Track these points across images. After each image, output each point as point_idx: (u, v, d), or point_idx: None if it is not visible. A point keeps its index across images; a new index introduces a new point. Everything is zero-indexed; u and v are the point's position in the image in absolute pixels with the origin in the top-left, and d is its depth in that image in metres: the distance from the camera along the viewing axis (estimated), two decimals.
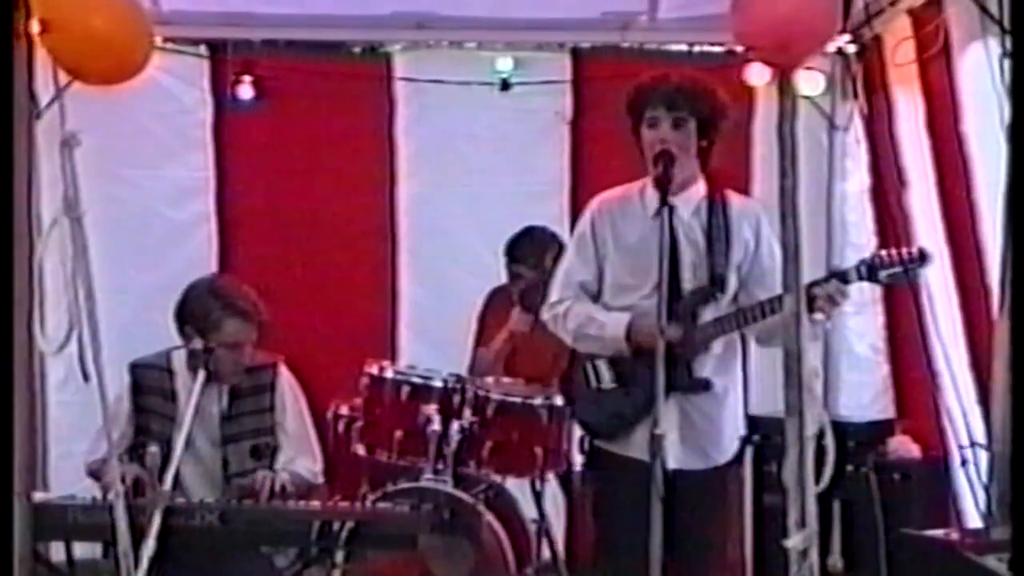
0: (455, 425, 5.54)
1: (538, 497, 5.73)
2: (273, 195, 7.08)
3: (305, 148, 7.05)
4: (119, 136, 6.65)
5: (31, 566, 3.94)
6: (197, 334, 4.80)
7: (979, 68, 5.13)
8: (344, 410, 5.82)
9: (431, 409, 5.57)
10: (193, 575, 4.44)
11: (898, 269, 4.37)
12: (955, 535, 5.01)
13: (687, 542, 4.32)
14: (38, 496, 4.20)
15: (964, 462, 5.58)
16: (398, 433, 5.60)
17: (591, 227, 4.64)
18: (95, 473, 4.82)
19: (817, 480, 3.79)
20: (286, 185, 7.06)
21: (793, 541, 3.74)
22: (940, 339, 5.86)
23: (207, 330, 4.78)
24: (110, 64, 3.89)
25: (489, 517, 5.47)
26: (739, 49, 4.25)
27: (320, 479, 5.09)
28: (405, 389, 5.65)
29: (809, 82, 6.13)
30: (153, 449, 4.60)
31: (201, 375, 4.67)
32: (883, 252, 4.44)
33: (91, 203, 3.94)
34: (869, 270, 4.38)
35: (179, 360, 4.93)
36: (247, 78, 6.87)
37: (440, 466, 5.52)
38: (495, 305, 6.31)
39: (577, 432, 5.16)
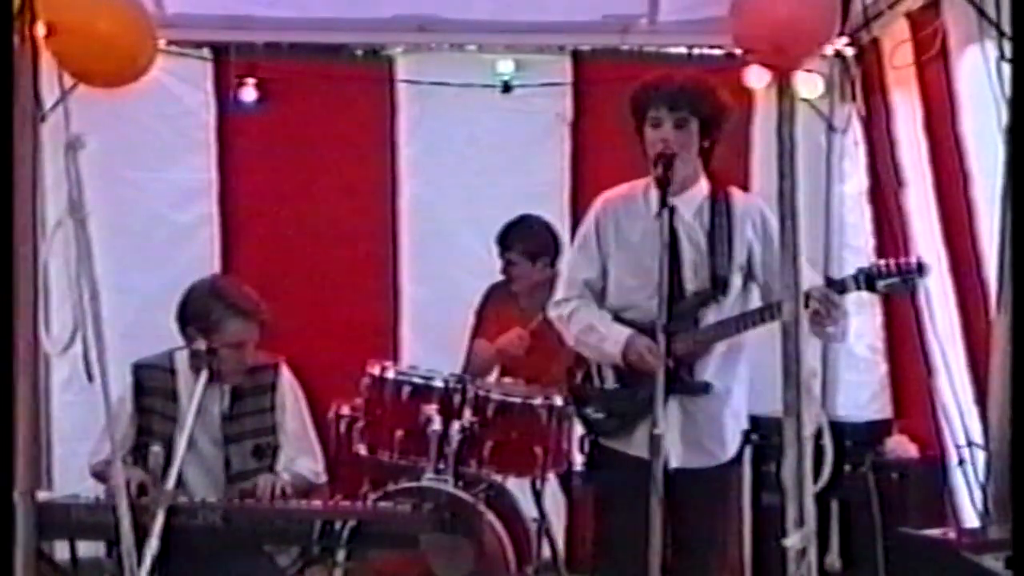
0: (456, 425, 5.56)
1: (538, 497, 5.75)
2: (276, 197, 7.10)
3: (307, 150, 7.07)
4: (123, 138, 6.68)
5: (35, 565, 3.97)
6: (199, 334, 4.81)
7: (977, 71, 5.15)
8: (345, 410, 5.85)
9: (432, 409, 5.59)
10: (196, 574, 4.46)
11: (896, 279, 4.44)
12: (952, 534, 5.02)
13: (688, 540, 4.35)
14: (42, 495, 4.19)
15: (961, 462, 5.60)
16: (399, 433, 5.62)
17: (595, 225, 4.70)
18: (99, 474, 4.84)
19: (815, 480, 3.81)
20: (288, 187, 7.08)
21: (791, 540, 3.76)
22: (938, 339, 5.88)
23: (209, 330, 4.80)
24: (114, 67, 3.92)
25: (490, 516, 5.49)
26: (738, 52, 4.28)
27: (321, 479, 5.10)
28: (406, 389, 5.67)
29: (808, 84, 6.15)
30: (156, 449, 4.62)
31: (203, 375, 4.68)
32: (881, 262, 4.50)
33: (95, 205, 3.96)
34: (867, 280, 4.45)
35: (182, 361, 4.94)
36: (250, 80, 6.89)
37: (441, 466, 5.54)
38: (493, 300, 6.33)
39: (577, 432, 5.21)
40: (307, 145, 7.06)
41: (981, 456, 5.38)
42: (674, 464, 4.34)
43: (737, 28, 3.91)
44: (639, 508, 4.23)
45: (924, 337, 6.01)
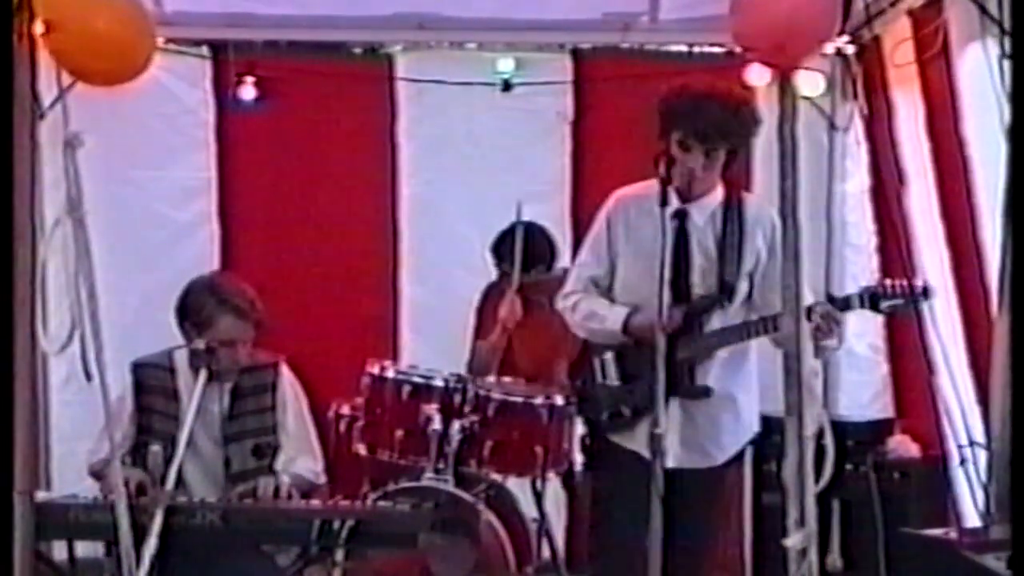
0: (456, 424, 5.55)
1: (538, 496, 5.73)
2: (275, 195, 7.09)
3: (307, 148, 7.06)
4: (122, 136, 6.66)
5: (33, 565, 3.96)
6: (194, 330, 4.81)
7: (978, 69, 5.14)
8: (345, 409, 5.85)
9: (432, 408, 5.58)
10: (195, 574, 4.45)
11: (899, 301, 4.49)
12: (954, 534, 5.01)
13: (682, 538, 4.35)
14: (40, 495, 4.20)
15: (963, 461, 5.59)
16: (399, 432, 5.61)
17: (606, 223, 4.77)
18: (98, 473, 4.83)
19: (817, 479, 3.82)
20: (288, 185, 7.07)
21: (792, 540, 3.76)
22: (939, 339, 5.86)
23: (202, 326, 4.79)
24: (113, 65, 3.92)
25: (490, 516, 5.48)
26: (739, 50, 4.27)
27: (321, 478, 5.09)
28: (406, 389, 5.66)
29: (809, 83, 6.13)
30: (155, 448, 4.61)
31: (203, 374, 4.68)
32: (887, 282, 4.54)
33: (94, 203, 3.96)
34: (872, 299, 4.49)
35: (181, 359, 4.93)
36: (249, 79, 6.87)
37: (441, 465, 5.54)
38: (491, 299, 6.33)
39: (578, 431, 5.23)
40: (306, 144, 7.05)
41: (983, 456, 5.37)
42: (671, 464, 4.36)
43: (738, 26, 3.91)
44: (637, 503, 4.27)
45: (925, 337, 5.99)
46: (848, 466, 5.70)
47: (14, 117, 3.74)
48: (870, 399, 6.62)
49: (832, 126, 6.69)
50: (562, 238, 6.43)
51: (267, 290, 5.05)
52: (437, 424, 5.54)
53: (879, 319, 6.59)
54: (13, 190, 3.73)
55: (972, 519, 5.49)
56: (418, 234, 7.14)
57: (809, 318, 4.21)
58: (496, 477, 5.76)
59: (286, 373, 5.04)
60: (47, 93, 3.95)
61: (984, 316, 5.36)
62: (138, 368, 4.97)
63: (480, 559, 5.45)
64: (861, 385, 6.68)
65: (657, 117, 4.65)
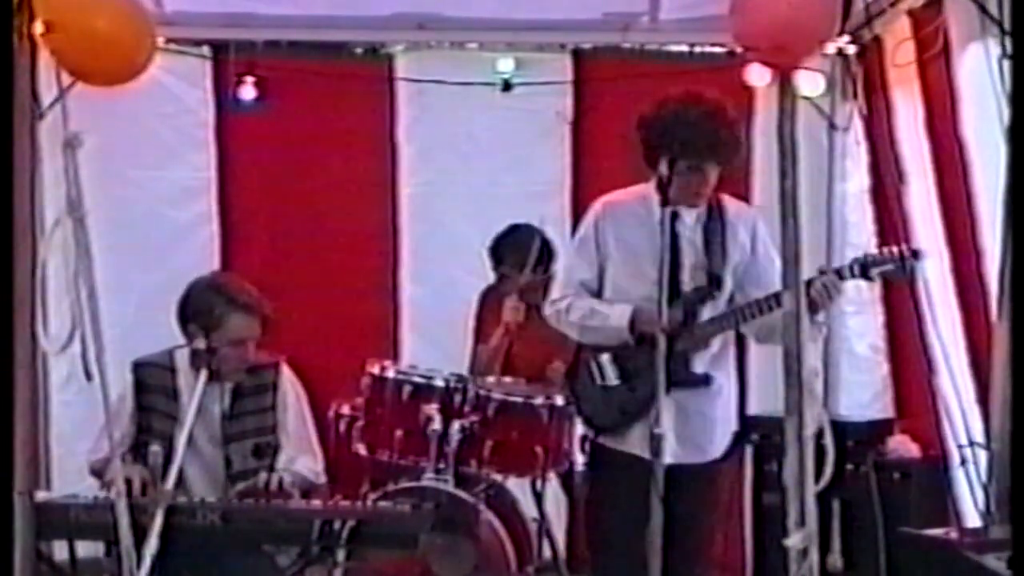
0: (456, 425, 5.55)
1: (539, 496, 5.74)
2: (275, 195, 7.09)
3: (307, 148, 7.06)
4: (122, 137, 6.66)
5: (34, 565, 3.96)
6: (201, 331, 4.79)
7: (978, 69, 5.14)
8: (345, 409, 5.85)
9: (432, 409, 5.59)
10: (195, 574, 4.44)
11: (890, 266, 4.54)
12: (954, 534, 5.01)
13: (678, 535, 4.36)
14: (41, 495, 4.20)
15: (963, 461, 5.59)
16: (399, 432, 5.62)
17: (594, 228, 4.82)
18: (98, 472, 4.82)
19: (817, 479, 3.81)
20: (288, 185, 7.07)
21: (793, 540, 3.76)
22: (939, 339, 5.87)
23: (211, 327, 4.78)
24: (113, 65, 3.91)
25: (490, 516, 5.49)
26: (739, 50, 4.27)
27: (321, 478, 5.09)
28: (406, 389, 5.66)
29: (809, 83, 6.13)
30: (155, 448, 4.60)
31: (203, 374, 4.68)
32: (876, 250, 4.64)
33: (93, 203, 3.96)
34: (862, 268, 4.54)
35: (182, 359, 4.93)
36: (249, 79, 6.88)
37: (441, 465, 5.54)
38: (490, 302, 6.33)
39: (578, 431, 5.23)
40: (306, 143, 7.05)
41: (983, 456, 5.37)
42: (668, 460, 4.38)
43: (738, 26, 3.91)
44: (635, 506, 4.31)
45: (925, 336, 6.00)
46: (848, 466, 5.70)
47: (14, 117, 3.74)
48: (870, 399, 6.62)
49: (832, 126, 6.68)
50: (562, 239, 6.41)
51: (267, 290, 5.05)
52: (437, 424, 5.54)
53: (879, 319, 6.62)
54: (13, 190, 3.73)
55: (972, 519, 5.49)
56: (418, 234, 7.15)
57: (808, 292, 4.24)
58: (496, 477, 5.76)
59: (287, 373, 5.04)
60: (47, 93, 3.96)
61: (983, 316, 5.36)
62: (138, 368, 4.96)
63: (480, 559, 5.45)
64: (861, 385, 6.68)
65: (640, 144, 4.71)
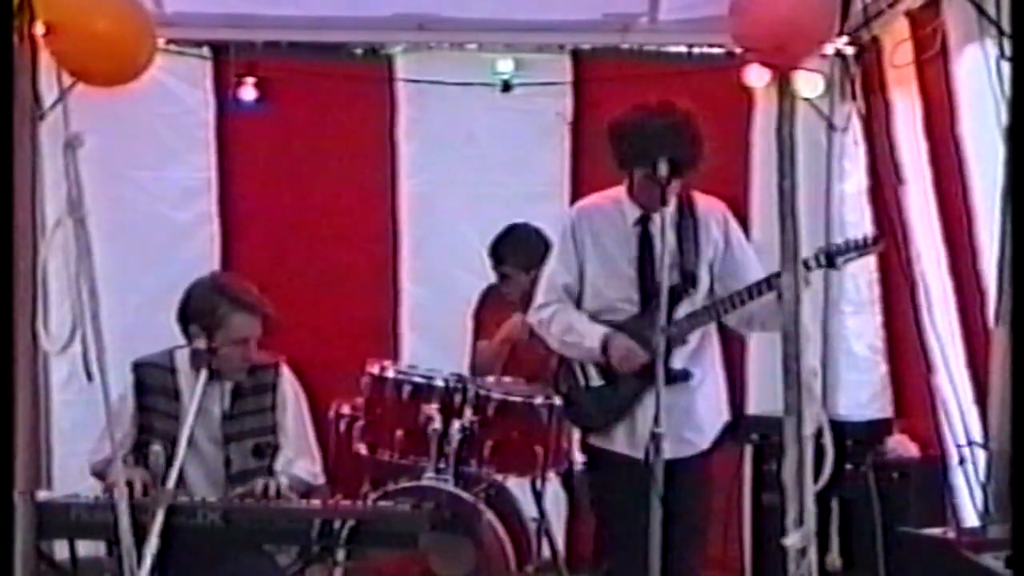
0: (456, 424, 5.55)
1: (539, 496, 5.75)
2: (275, 196, 7.10)
3: (307, 149, 7.07)
4: (122, 137, 6.67)
5: (35, 564, 3.97)
6: (203, 332, 4.79)
7: (976, 70, 5.15)
8: (346, 409, 5.85)
9: (432, 408, 5.59)
10: (195, 573, 4.45)
11: (854, 254, 4.77)
12: (952, 533, 5.02)
13: (672, 529, 4.40)
14: (42, 495, 4.22)
15: (962, 461, 5.59)
16: (399, 432, 5.62)
17: (572, 233, 4.96)
18: (99, 474, 4.83)
19: (816, 479, 3.83)
20: (288, 186, 7.08)
21: (792, 539, 3.77)
22: (938, 338, 5.88)
23: (214, 327, 4.78)
24: (113, 66, 3.92)
25: (490, 516, 5.49)
26: (738, 51, 4.28)
27: (319, 480, 5.09)
28: (406, 388, 5.67)
29: (808, 83, 6.13)
30: (156, 448, 4.62)
31: (204, 374, 4.68)
32: (839, 240, 4.82)
33: (94, 204, 3.97)
34: (827, 258, 4.71)
35: (182, 359, 4.94)
36: (249, 79, 6.89)
37: (441, 465, 5.54)
38: (490, 302, 6.34)
39: (578, 431, 5.26)
40: (306, 144, 7.06)
41: (982, 455, 5.37)
42: (654, 456, 4.42)
43: (737, 27, 3.92)
44: (626, 502, 4.46)
45: (924, 336, 6.00)
46: (847, 466, 5.69)
47: (15, 118, 3.75)
48: (869, 399, 6.63)
49: (831, 126, 6.70)
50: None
51: (267, 290, 5.06)
52: (437, 424, 5.54)
53: (878, 319, 6.63)
54: (14, 190, 3.74)
55: (971, 519, 5.50)
56: (418, 234, 7.15)
57: (771, 287, 4.50)
58: (496, 477, 5.77)
59: (286, 373, 5.05)
60: (48, 94, 3.96)
61: (980, 316, 5.37)
62: (139, 368, 4.97)
63: (480, 559, 5.45)
64: (860, 385, 6.69)
65: (611, 150, 4.84)
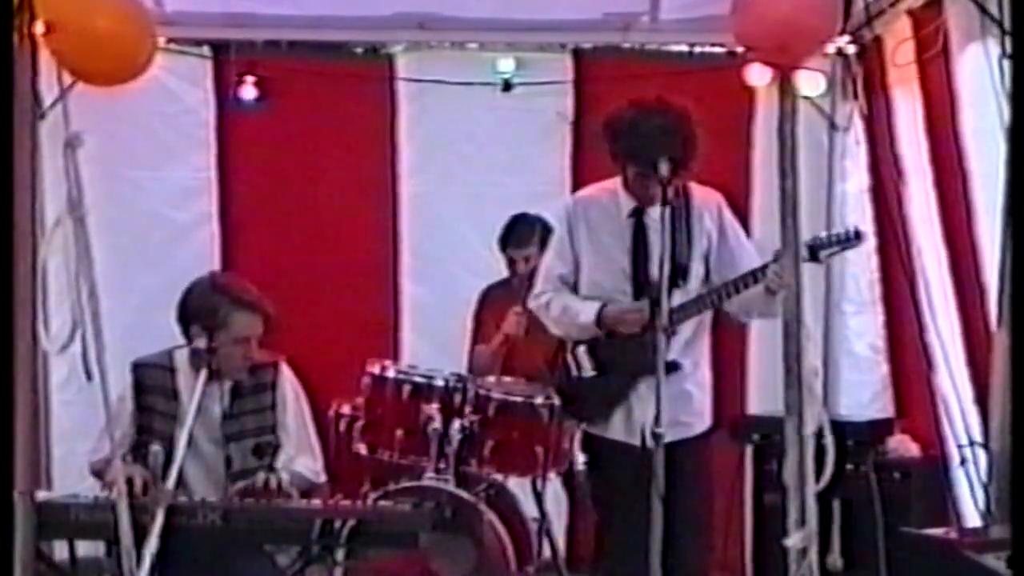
0: (456, 424, 5.55)
1: (539, 496, 5.75)
2: (275, 195, 7.09)
3: (307, 148, 7.06)
4: (122, 136, 6.67)
5: (34, 565, 3.96)
6: (204, 332, 4.79)
7: (978, 69, 5.14)
8: (346, 409, 5.84)
9: (433, 408, 5.59)
10: (195, 573, 4.45)
11: (836, 248, 4.80)
12: (954, 534, 5.03)
13: (675, 511, 4.41)
14: (41, 495, 4.20)
15: (963, 461, 5.58)
16: (399, 432, 5.62)
17: (568, 225, 5.03)
18: (99, 473, 4.83)
19: (817, 479, 3.83)
20: (288, 185, 7.07)
21: (793, 540, 3.77)
22: (939, 338, 5.87)
23: (215, 327, 4.77)
24: (113, 65, 3.92)
25: (490, 516, 5.49)
26: (740, 50, 4.28)
27: (320, 478, 5.09)
28: (407, 388, 5.67)
29: (809, 83, 6.12)
30: (155, 448, 4.61)
31: (203, 374, 4.68)
32: (822, 234, 4.81)
33: (94, 203, 3.97)
34: (810, 251, 4.69)
35: (181, 359, 4.93)
36: (250, 79, 6.89)
37: (442, 465, 5.54)
38: (490, 302, 6.34)
39: (578, 431, 5.26)
40: (307, 143, 7.05)
41: (983, 455, 5.37)
42: (651, 443, 4.46)
43: (739, 26, 3.92)
44: (624, 491, 4.58)
45: (925, 336, 5.99)
46: (848, 466, 5.70)
47: (14, 117, 3.75)
48: (870, 399, 6.62)
49: (832, 126, 6.69)
50: None
51: (267, 290, 5.05)
52: (438, 424, 5.54)
53: (879, 319, 6.62)
54: (14, 190, 3.74)
55: (972, 519, 5.49)
56: (418, 234, 7.15)
57: (756, 279, 4.67)
58: (497, 477, 5.76)
59: (286, 372, 5.04)
60: (48, 93, 3.95)
61: (981, 315, 5.37)
62: (138, 368, 4.96)
63: (481, 559, 5.45)
64: (861, 385, 6.68)
65: (607, 147, 4.90)
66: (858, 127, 6.63)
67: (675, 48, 6.91)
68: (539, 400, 5.58)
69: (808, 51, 4.00)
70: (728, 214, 5.00)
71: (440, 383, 5.68)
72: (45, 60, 3.86)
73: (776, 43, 3.78)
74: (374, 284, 7.14)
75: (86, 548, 4.67)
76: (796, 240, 3.96)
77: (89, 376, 3.86)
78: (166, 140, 6.98)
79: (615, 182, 4.97)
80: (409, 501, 4.75)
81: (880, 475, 5.80)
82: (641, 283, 4.87)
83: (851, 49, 6.50)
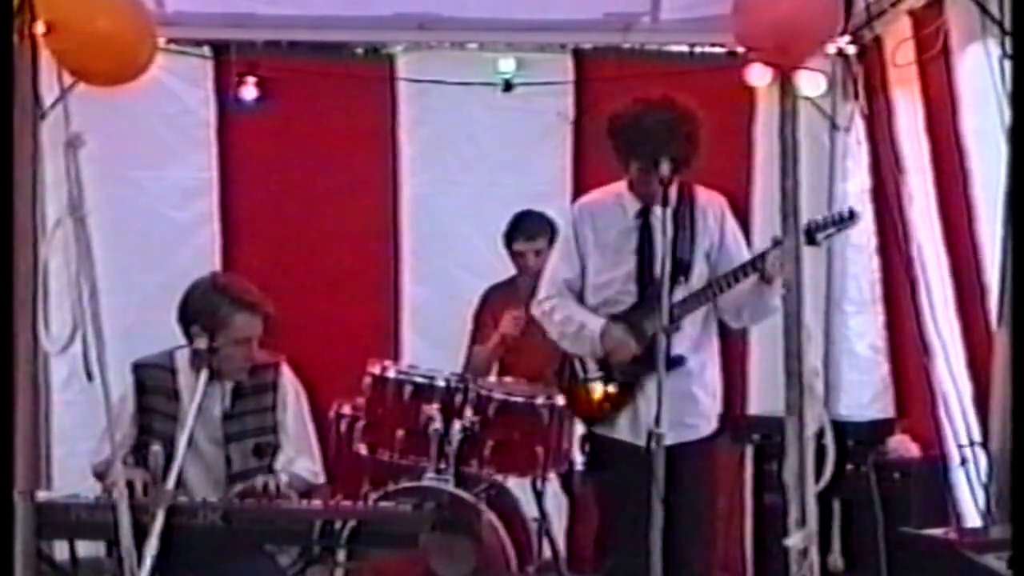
0: (457, 424, 5.56)
1: (539, 496, 5.75)
2: (276, 195, 7.09)
3: (308, 149, 7.06)
4: (123, 137, 6.67)
5: (35, 565, 3.96)
6: (204, 332, 4.78)
7: (979, 69, 5.14)
8: (346, 409, 5.85)
9: (433, 409, 5.59)
10: (196, 574, 4.44)
11: (832, 230, 4.81)
12: (954, 534, 5.03)
13: (678, 514, 4.42)
14: (42, 495, 4.21)
15: (963, 461, 5.59)
16: (400, 432, 5.62)
17: (573, 229, 5.04)
18: (100, 475, 4.82)
19: (817, 479, 3.83)
20: (288, 185, 7.07)
21: (793, 540, 3.77)
22: (939, 338, 5.87)
23: (216, 328, 4.76)
24: (114, 65, 3.92)
25: (490, 516, 5.49)
26: (740, 50, 4.28)
27: (320, 479, 5.09)
28: (407, 389, 5.67)
29: (810, 83, 6.12)
30: (156, 448, 4.60)
31: (204, 374, 4.67)
32: (817, 217, 4.80)
33: (95, 203, 3.97)
34: (807, 235, 4.65)
35: (182, 359, 4.93)
36: (250, 79, 6.88)
37: (442, 465, 5.54)
38: (490, 303, 6.33)
39: (578, 431, 5.26)
40: (307, 143, 7.05)
41: (983, 455, 5.37)
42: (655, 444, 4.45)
43: (739, 26, 3.92)
44: (628, 491, 4.54)
45: (925, 336, 5.99)
46: (849, 466, 5.70)
47: (15, 117, 3.75)
48: (870, 399, 6.61)
49: (833, 126, 6.69)
50: None
51: (268, 290, 5.05)
52: (438, 424, 5.54)
53: (880, 319, 6.62)
54: (14, 190, 3.74)
55: (972, 519, 5.49)
56: (419, 234, 7.14)
57: (756, 268, 4.71)
58: (497, 477, 5.76)
59: (287, 372, 5.04)
60: (48, 93, 3.95)
61: (981, 316, 5.37)
62: (139, 368, 4.96)
63: (481, 559, 5.45)
64: (861, 385, 6.68)
65: (610, 144, 4.90)
66: (859, 127, 6.63)
67: (676, 48, 6.91)
68: (540, 400, 5.59)
69: (808, 51, 4.00)
70: (731, 219, 5.01)
71: (441, 383, 5.68)
72: (46, 60, 3.87)
73: (776, 43, 3.78)
74: (374, 284, 7.13)
75: (86, 548, 4.67)
76: (797, 240, 3.96)
77: (90, 376, 3.86)
78: (166, 140, 6.98)
79: (620, 185, 4.97)
80: (409, 501, 4.75)
81: (880, 475, 5.80)
82: (646, 282, 4.87)
83: (852, 49, 6.50)
